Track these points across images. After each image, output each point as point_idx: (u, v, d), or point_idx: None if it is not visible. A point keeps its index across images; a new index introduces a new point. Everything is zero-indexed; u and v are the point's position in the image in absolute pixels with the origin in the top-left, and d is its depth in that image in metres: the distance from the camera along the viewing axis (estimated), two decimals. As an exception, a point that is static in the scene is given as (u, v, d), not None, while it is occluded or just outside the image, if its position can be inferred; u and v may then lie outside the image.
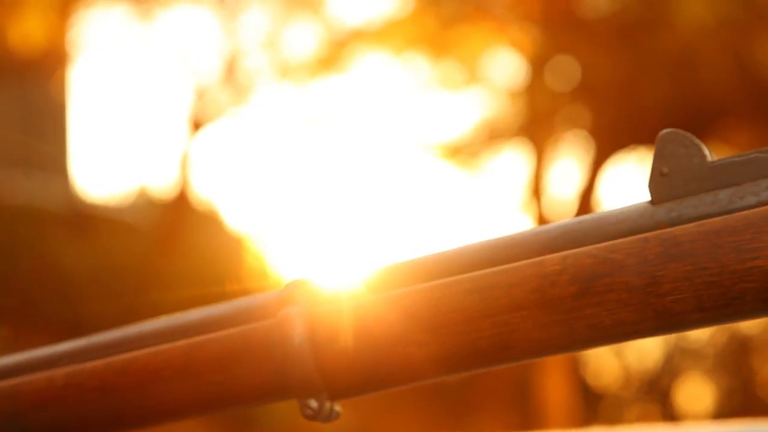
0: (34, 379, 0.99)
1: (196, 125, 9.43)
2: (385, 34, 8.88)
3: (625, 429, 5.84)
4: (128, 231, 9.38)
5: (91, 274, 8.32)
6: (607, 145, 9.04)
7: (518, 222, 9.35)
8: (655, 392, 11.07)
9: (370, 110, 9.47)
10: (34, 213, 8.77)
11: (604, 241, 0.82)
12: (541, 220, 8.83)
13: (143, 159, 10.35)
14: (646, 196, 0.84)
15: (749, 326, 10.26)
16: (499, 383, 9.58)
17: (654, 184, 0.83)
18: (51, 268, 8.16)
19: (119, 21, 9.31)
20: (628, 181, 9.56)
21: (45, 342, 1.09)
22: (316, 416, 0.90)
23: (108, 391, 0.95)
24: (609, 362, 10.78)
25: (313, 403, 0.90)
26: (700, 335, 10.56)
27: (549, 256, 0.82)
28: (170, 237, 9.23)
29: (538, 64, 8.76)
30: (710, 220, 0.79)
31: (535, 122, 9.07)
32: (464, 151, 9.34)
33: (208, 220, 9.88)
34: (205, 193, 9.87)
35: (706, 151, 0.82)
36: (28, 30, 8.11)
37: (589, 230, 0.84)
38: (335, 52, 9.04)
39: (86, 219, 9.20)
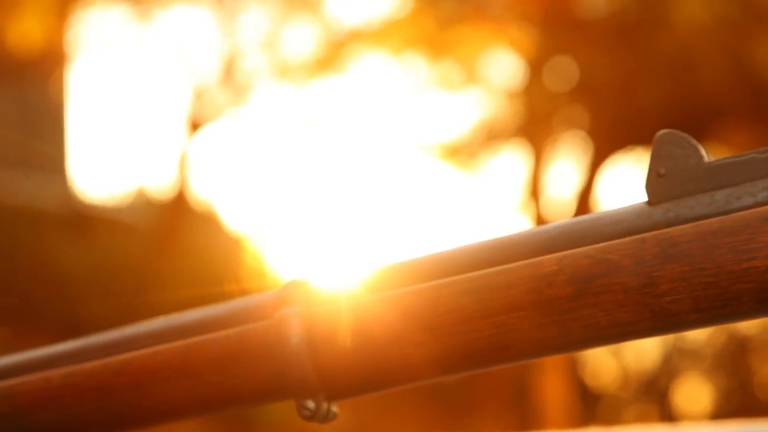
0: (32, 380, 0.99)
1: (195, 125, 9.42)
2: (384, 35, 8.88)
3: (623, 429, 5.84)
4: (127, 231, 9.38)
5: (90, 275, 8.32)
6: (605, 146, 9.04)
7: (516, 222, 9.36)
8: (654, 393, 11.07)
9: (369, 111, 9.48)
10: (32, 213, 8.77)
11: (601, 241, 0.82)
12: (540, 220, 8.83)
13: (142, 159, 10.34)
14: (643, 197, 0.84)
15: (747, 327, 10.26)
16: (497, 383, 9.58)
17: (651, 184, 0.83)
18: (49, 269, 8.16)
19: (117, 21, 9.31)
20: (626, 182, 9.56)
21: (43, 342, 1.09)
22: (313, 417, 0.90)
23: (106, 391, 0.96)
24: (607, 363, 10.78)
25: (311, 404, 0.90)
26: (698, 336, 10.56)
27: (546, 257, 0.83)
28: (169, 237, 9.22)
29: (536, 65, 8.76)
30: (707, 221, 0.79)
31: (534, 123, 9.07)
32: (462, 152, 9.34)
33: (207, 221, 9.87)
34: (203, 193, 9.87)
35: (703, 152, 0.82)
36: (27, 30, 8.11)
37: (586, 231, 0.84)
38: (334, 53, 9.03)
39: (84, 219, 9.20)
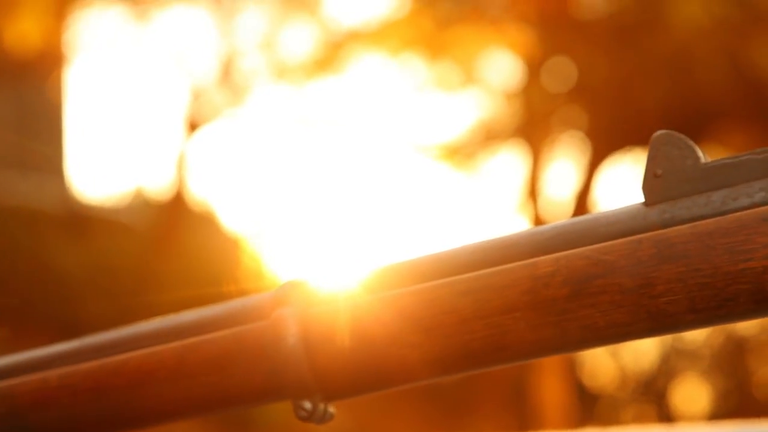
0: (29, 380, 0.99)
1: (193, 126, 9.42)
2: (382, 36, 8.88)
3: (621, 430, 5.84)
4: (124, 232, 9.38)
5: (87, 275, 8.31)
6: (603, 147, 9.05)
7: (514, 223, 9.36)
8: (651, 393, 11.07)
9: (367, 111, 9.48)
10: (30, 214, 8.77)
11: (597, 242, 0.82)
12: (538, 221, 8.84)
13: (139, 160, 10.33)
14: (640, 198, 0.84)
15: (745, 327, 10.27)
16: (495, 384, 9.58)
17: (647, 185, 0.83)
18: (47, 269, 8.15)
19: (115, 22, 9.31)
20: (624, 183, 9.57)
21: (41, 342, 1.09)
22: (309, 417, 0.90)
23: (102, 392, 0.96)
24: (605, 363, 10.78)
25: (307, 405, 0.90)
26: (696, 336, 10.57)
27: (542, 258, 0.83)
28: (166, 238, 9.22)
29: (534, 65, 8.76)
30: (703, 222, 0.79)
31: (532, 123, 9.07)
32: (460, 152, 9.34)
33: (205, 221, 9.87)
34: (201, 193, 9.88)
35: (700, 153, 0.82)
36: (24, 31, 8.11)
37: (583, 232, 0.84)
38: (332, 53, 9.04)
39: (82, 220, 9.20)
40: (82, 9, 9.12)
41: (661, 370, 11.06)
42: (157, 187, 9.75)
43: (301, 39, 9.11)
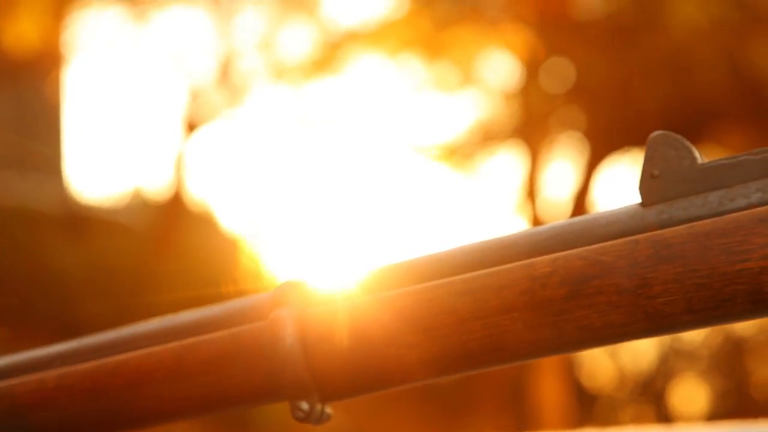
0: (28, 381, 0.99)
1: (191, 126, 9.42)
2: (380, 36, 8.88)
3: (619, 430, 5.84)
4: (123, 232, 9.37)
5: (86, 275, 8.31)
6: (601, 147, 9.04)
7: (512, 223, 9.36)
8: (650, 394, 11.07)
9: (365, 112, 9.47)
10: (28, 214, 8.76)
11: (594, 243, 0.82)
12: (536, 221, 8.83)
13: (138, 160, 10.33)
14: (637, 198, 0.84)
15: (743, 328, 10.27)
16: (493, 384, 9.58)
17: (644, 186, 0.83)
18: (45, 269, 8.15)
19: (113, 22, 9.30)
20: (622, 183, 9.56)
21: (39, 343, 1.09)
22: (306, 418, 0.90)
23: (100, 392, 0.96)
24: (603, 363, 10.78)
25: (304, 405, 0.90)
26: (694, 337, 10.57)
27: (539, 258, 0.83)
28: (165, 238, 9.22)
29: (532, 66, 8.76)
30: (700, 223, 0.79)
31: (530, 124, 9.07)
32: (459, 153, 9.34)
33: (203, 222, 9.87)
34: (199, 194, 9.87)
35: (697, 154, 0.82)
36: (23, 31, 8.10)
37: (580, 232, 0.84)
38: (330, 54, 9.03)
39: (81, 220, 9.19)
40: (80, 9, 9.12)
41: (660, 371, 11.06)
42: (156, 187, 9.76)
43: (299, 39, 9.11)
